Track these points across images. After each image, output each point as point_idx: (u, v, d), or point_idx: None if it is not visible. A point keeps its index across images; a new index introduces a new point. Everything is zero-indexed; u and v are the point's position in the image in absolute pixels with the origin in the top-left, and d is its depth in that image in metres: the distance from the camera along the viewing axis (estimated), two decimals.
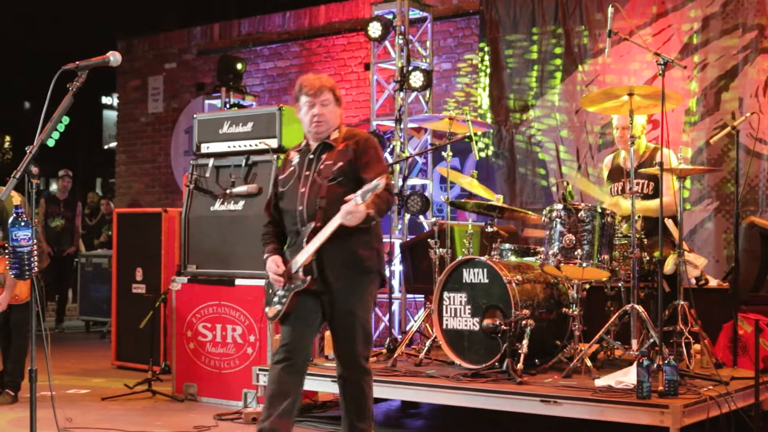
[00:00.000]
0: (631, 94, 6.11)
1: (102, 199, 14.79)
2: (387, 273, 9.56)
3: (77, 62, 4.08)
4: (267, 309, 4.99)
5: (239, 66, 11.81)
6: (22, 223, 3.82)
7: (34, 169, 3.86)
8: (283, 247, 5.07)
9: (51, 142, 3.91)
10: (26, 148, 3.86)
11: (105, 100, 27.42)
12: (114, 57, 4.20)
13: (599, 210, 6.19)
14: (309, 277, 4.78)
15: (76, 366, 9.46)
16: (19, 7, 22.34)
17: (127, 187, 14.38)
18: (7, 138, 31.12)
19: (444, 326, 6.46)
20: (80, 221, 13.27)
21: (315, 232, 4.76)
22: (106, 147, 27.68)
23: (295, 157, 5.10)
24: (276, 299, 4.92)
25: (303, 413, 6.81)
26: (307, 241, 4.78)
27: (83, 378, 8.68)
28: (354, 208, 4.55)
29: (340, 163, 4.88)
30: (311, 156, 5.00)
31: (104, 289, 12.04)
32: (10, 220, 3.82)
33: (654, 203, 6.34)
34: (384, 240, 9.71)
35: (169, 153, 13.76)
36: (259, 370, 6.67)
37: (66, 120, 3.82)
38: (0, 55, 24.21)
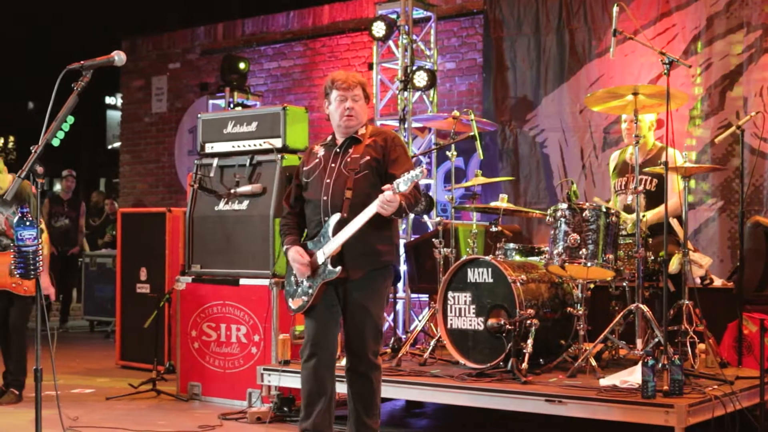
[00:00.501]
0: (636, 94, 6.12)
1: (106, 199, 14.78)
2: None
3: (82, 62, 4.09)
4: (290, 301, 5.05)
5: (242, 65, 11.80)
6: (27, 223, 3.82)
7: (40, 169, 3.86)
8: (301, 238, 5.11)
9: (56, 142, 3.92)
10: (31, 148, 3.87)
11: (108, 100, 27.40)
12: (119, 57, 4.20)
13: (604, 209, 6.19)
14: (340, 267, 4.81)
15: (80, 365, 9.46)
16: (22, 6, 22.36)
17: (131, 187, 14.39)
18: (11, 138, 31.16)
19: (448, 326, 6.45)
20: (84, 221, 13.28)
21: (342, 222, 4.81)
22: (109, 147, 27.68)
23: (320, 150, 5.15)
24: (300, 291, 4.97)
25: None
26: (334, 232, 4.82)
27: (88, 377, 8.69)
28: (392, 197, 4.61)
29: (367, 157, 4.95)
30: (338, 149, 5.07)
31: (108, 288, 12.05)
32: (15, 219, 3.83)
33: (661, 209, 6.34)
34: None
35: (173, 153, 13.77)
36: (264, 369, 6.67)
37: (71, 119, 3.83)
38: (3, 55, 24.23)
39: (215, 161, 7.60)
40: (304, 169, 5.15)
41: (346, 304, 4.94)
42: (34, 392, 3.88)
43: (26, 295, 7.27)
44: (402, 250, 8.97)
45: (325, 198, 4.94)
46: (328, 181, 4.98)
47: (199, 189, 7.61)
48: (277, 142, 7.28)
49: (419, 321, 9.56)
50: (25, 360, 7.43)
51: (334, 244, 4.82)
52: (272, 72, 12.57)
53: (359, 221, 4.76)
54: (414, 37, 9.79)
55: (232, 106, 11.38)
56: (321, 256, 4.89)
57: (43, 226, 6.69)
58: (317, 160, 5.12)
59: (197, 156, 7.85)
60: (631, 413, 5.15)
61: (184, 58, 13.83)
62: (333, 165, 5.02)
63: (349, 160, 4.98)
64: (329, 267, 4.84)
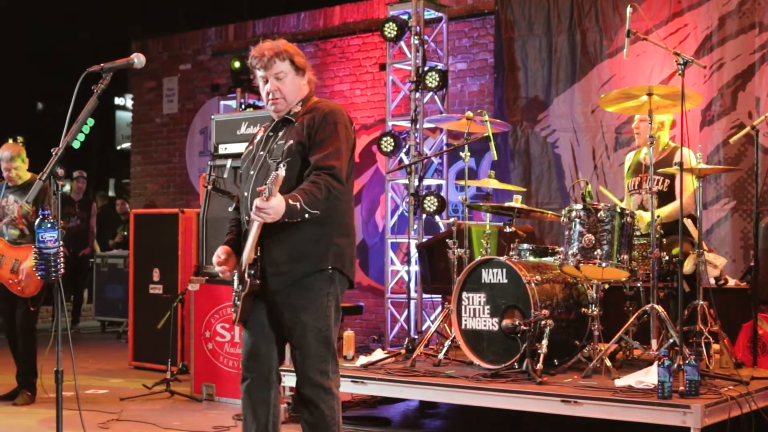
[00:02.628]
0: (650, 94, 6.12)
1: (117, 200, 14.80)
2: (404, 275, 9.64)
3: (102, 64, 4.09)
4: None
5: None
6: (49, 225, 3.83)
7: (60, 171, 3.88)
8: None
9: (76, 144, 3.93)
10: (52, 150, 3.88)
11: (117, 101, 27.43)
12: (138, 59, 4.23)
13: (618, 210, 6.19)
14: (249, 280, 4.14)
15: (93, 366, 9.49)
16: (33, 8, 22.40)
17: (142, 187, 14.41)
18: (20, 138, 31.19)
19: (463, 326, 6.46)
20: (95, 222, 13.30)
21: (264, 224, 4.04)
22: (118, 148, 27.71)
23: (259, 134, 4.46)
24: (234, 302, 4.30)
25: None
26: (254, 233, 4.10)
27: (101, 378, 8.71)
28: (264, 203, 3.85)
29: (291, 142, 4.19)
30: (270, 133, 4.36)
31: (119, 289, 12.09)
32: (37, 221, 3.84)
33: (674, 207, 6.36)
34: (400, 240, 9.79)
35: (184, 154, 13.79)
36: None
37: (91, 122, 3.83)
38: (13, 56, 24.28)
39: (229, 162, 7.62)
40: (241, 158, 4.51)
41: (282, 318, 4.21)
42: (56, 393, 3.89)
43: (24, 296, 7.31)
44: (414, 250, 8.99)
45: (246, 194, 4.27)
46: (252, 173, 4.28)
47: (212, 190, 7.62)
48: None
49: (431, 322, 9.63)
50: (34, 361, 7.43)
51: (246, 250, 4.14)
52: None
53: (251, 231, 4.07)
54: (425, 37, 9.80)
55: (243, 107, 11.39)
56: (241, 265, 4.21)
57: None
58: (251, 147, 4.43)
59: (210, 157, 7.87)
60: (648, 414, 5.14)
61: (195, 59, 13.85)
62: (261, 153, 4.30)
63: (275, 146, 4.24)
64: (246, 277, 4.15)
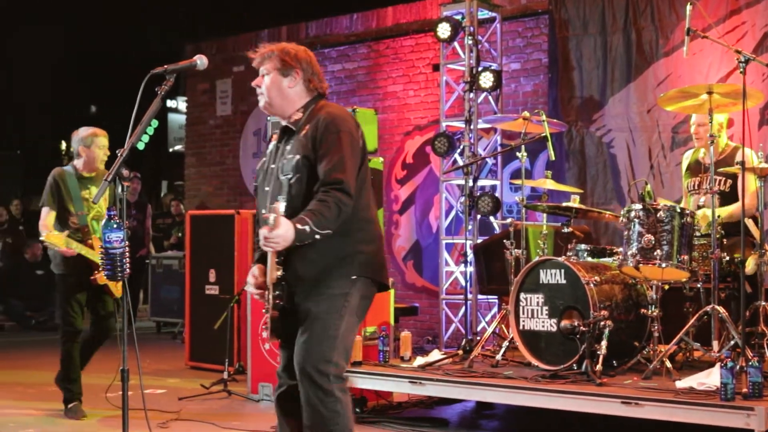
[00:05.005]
0: (710, 93, 6.06)
1: (173, 201, 14.94)
2: (459, 276, 9.62)
3: (165, 66, 4.13)
4: None
5: None
6: (115, 225, 3.88)
7: (125, 172, 3.93)
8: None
9: (141, 145, 3.98)
10: (117, 152, 3.93)
11: (170, 103, 27.70)
12: (201, 60, 4.26)
13: (678, 210, 6.13)
14: (275, 301, 4.02)
15: (150, 366, 9.57)
16: (86, 11, 22.66)
17: (196, 189, 14.52)
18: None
19: (521, 327, 6.44)
20: (151, 223, 13.42)
21: None
22: (171, 150, 27.98)
23: (271, 143, 4.31)
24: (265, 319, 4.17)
25: (378, 414, 6.86)
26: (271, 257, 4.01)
27: (158, 378, 8.79)
28: (269, 233, 3.78)
29: (297, 156, 4.02)
30: (279, 143, 4.22)
31: (175, 290, 12.18)
32: (103, 222, 3.89)
33: (736, 207, 6.29)
34: (455, 241, 9.77)
35: (237, 155, 13.87)
36: None
37: (155, 123, 3.87)
38: (66, 59, 24.59)
39: None
40: (257, 168, 4.37)
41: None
42: (121, 392, 3.94)
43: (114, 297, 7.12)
44: (470, 252, 8.97)
45: (263, 211, 4.09)
46: (267, 188, 4.15)
47: None
48: None
49: (486, 323, 9.60)
50: (63, 365, 7.03)
51: (269, 271, 4.02)
52: (336, 74, 12.61)
53: (270, 254, 3.97)
54: (479, 37, 9.77)
55: None
56: (267, 284, 4.09)
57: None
58: (264, 159, 4.28)
59: None
60: (710, 416, 5.09)
61: (248, 61, 13.81)
62: (273, 166, 4.17)
63: (284, 161, 4.07)
64: (272, 299, 4.03)
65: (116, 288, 6.93)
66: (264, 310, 4.12)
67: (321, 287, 4.03)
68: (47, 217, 6.93)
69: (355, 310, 4.11)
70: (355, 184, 4.01)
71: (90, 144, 6.98)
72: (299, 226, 3.79)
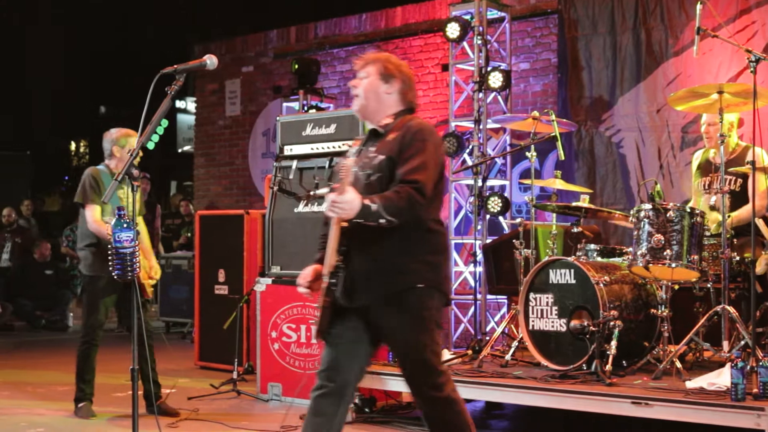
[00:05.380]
0: (720, 92, 6.04)
1: (182, 201, 14.95)
2: (468, 276, 9.62)
3: (175, 66, 4.14)
4: None
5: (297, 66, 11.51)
6: (125, 225, 3.88)
7: (135, 172, 3.93)
8: None
9: (151, 145, 3.98)
10: (128, 152, 3.93)
11: (179, 104, 27.75)
12: (211, 60, 4.26)
13: (688, 210, 6.12)
14: (328, 289, 4.03)
15: (160, 366, 9.44)
16: (95, 12, 22.72)
17: (205, 189, 14.54)
18: (83, 142, 31.73)
19: (530, 327, 6.43)
20: (160, 223, 13.44)
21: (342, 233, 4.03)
22: (180, 150, 28.02)
23: (353, 148, 4.44)
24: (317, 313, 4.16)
25: (387, 414, 6.85)
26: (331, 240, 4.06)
27: (168, 377, 8.75)
28: (336, 197, 3.81)
29: (382, 157, 4.09)
30: (362, 147, 4.32)
31: (184, 290, 12.19)
32: (113, 221, 3.89)
33: (746, 210, 6.28)
34: (464, 241, 9.76)
35: (246, 156, 13.89)
36: None
37: (165, 123, 3.87)
38: (77, 60, 24.66)
39: (294, 163, 7.66)
40: (334, 170, 4.50)
41: (379, 334, 4.14)
42: (131, 391, 3.94)
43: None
44: (479, 252, 8.96)
45: None
46: None
47: (278, 191, 7.67)
48: None
49: (495, 323, 9.59)
50: (79, 365, 7.01)
51: (326, 259, 4.07)
52: (345, 74, 12.60)
53: (332, 234, 4.02)
54: (488, 37, 9.75)
55: (306, 108, 11.44)
56: (324, 271, 4.11)
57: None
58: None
59: (274, 158, 7.92)
60: (721, 416, 5.08)
61: (257, 62, 13.94)
62: (354, 169, 4.21)
63: (366, 160, 4.16)
64: (326, 286, 4.05)
65: (148, 286, 6.94)
66: (316, 305, 4.11)
67: (399, 301, 4.02)
68: (95, 212, 6.80)
69: (438, 320, 4.18)
70: (432, 192, 4.04)
71: (124, 144, 6.91)
72: (366, 202, 3.82)
